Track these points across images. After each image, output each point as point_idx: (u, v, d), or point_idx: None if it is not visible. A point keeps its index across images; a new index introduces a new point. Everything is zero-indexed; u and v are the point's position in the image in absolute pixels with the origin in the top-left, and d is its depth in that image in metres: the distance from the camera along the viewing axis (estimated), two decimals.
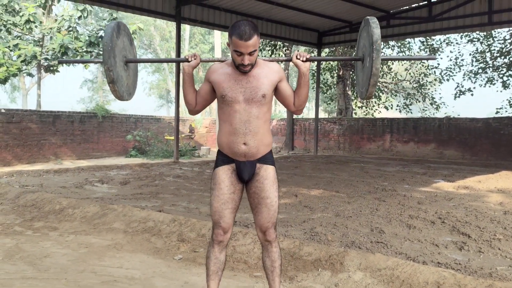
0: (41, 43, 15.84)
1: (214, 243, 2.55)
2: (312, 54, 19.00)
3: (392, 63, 20.80)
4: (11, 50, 14.84)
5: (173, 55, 34.17)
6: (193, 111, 2.67)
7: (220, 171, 2.57)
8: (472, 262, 3.60)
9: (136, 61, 2.80)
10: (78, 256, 3.84)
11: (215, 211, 2.54)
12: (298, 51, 2.59)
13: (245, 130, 2.48)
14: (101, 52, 16.42)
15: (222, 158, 2.58)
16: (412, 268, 3.20)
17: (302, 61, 2.51)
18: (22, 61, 14.79)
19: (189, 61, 2.55)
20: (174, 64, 19.29)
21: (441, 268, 3.33)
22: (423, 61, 21.17)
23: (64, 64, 15.92)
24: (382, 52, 2.52)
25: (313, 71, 20.03)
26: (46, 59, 15.86)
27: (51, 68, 16.43)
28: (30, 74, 17.36)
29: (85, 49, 15.45)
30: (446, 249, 3.99)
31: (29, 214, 5.39)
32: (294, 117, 17.73)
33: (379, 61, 2.42)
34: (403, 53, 20.59)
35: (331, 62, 20.42)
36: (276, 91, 2.56)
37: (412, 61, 21.02)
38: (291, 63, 2.57)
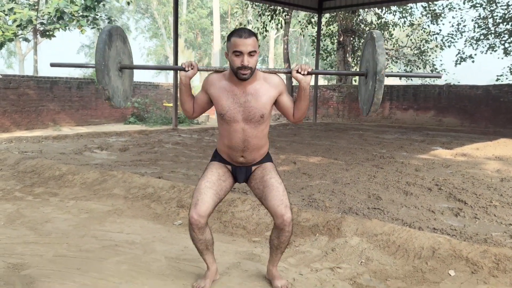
0: (36, 7, 15.52)
1: (192, 226, 2.46)
2: (312, 20, 18.68)
3: (394, 29, 20.47)
4: (6, 15, 14.55)
5: (170, 20, 33.54)
6: (191, 117, 2.66)
7: (215, 163, 2.63)
8: (467, 228, 3.66)
9: (131, 68, 2.69)
10: (79, 221, 3.88)
11: (198, 188, 2.50)
12: (299, 64, 2.49)
13: (243, 147, 2.52)
14: (97, 17, 16.12)
15: (220, 158, 2.63)
16: (408, 234, 3.25)
17: (303, 75, 2.42)
18: (17, 26, 14.54)
19: (186, 71, 2.45)
20: (172, 29, 18.90)
21: (437, 233, 3.38)
22: (425, 26, 20.85)
23: (60, 29, 15.64)
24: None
25: (313, 37, 19.70)
26: (41, 23, 15.59)
27: (47, 33, 16.17)
28: (26, 39, 17.11)
29: (81, 13, 15.16)
30: (442, 215, 4.04)
31: (29, 180, 5.42)
32: (293, 84, 17.55)
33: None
34: (405, 18, 20.24)
35: (331, 28, 20.08)
36: (276, 103, 2.52)
37: (414, 27, 20.69)
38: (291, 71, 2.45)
